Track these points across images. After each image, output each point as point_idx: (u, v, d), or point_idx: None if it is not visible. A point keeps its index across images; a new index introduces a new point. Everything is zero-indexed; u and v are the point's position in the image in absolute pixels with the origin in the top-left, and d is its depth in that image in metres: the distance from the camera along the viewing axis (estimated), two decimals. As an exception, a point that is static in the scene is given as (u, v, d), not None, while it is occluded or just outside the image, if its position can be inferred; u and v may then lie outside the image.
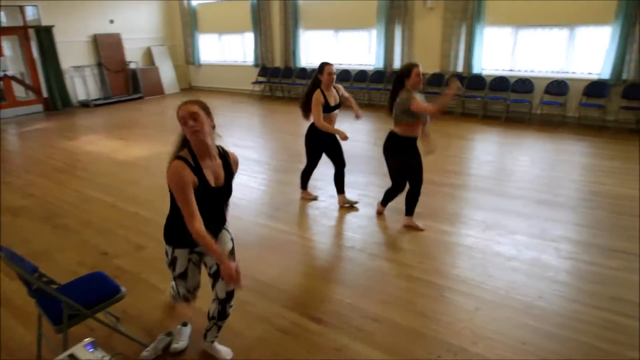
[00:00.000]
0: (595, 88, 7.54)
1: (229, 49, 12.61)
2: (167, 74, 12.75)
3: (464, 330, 2.64)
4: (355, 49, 10.28)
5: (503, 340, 2.54)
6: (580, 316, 2.73)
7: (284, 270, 3.39)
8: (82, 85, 11.33)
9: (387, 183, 4.09)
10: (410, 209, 3.96)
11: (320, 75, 4.12)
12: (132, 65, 11.97)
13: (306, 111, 4.30)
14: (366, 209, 4.43)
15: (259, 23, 11.28)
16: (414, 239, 3.80)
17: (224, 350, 2.52)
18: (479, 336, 2.58)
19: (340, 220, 4.21)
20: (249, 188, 5.11)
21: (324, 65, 4.12)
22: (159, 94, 12.50)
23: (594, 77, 7.61)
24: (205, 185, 2.10)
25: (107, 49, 11.49)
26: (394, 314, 2.81)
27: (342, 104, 4.39)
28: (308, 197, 4.77)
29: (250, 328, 2.73)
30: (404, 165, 3.80)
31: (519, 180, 5.18)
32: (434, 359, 2.42)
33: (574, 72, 7.89)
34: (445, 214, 4.28)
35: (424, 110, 3.50)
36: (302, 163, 5.90)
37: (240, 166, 5.96)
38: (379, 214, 4.31)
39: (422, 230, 3.93)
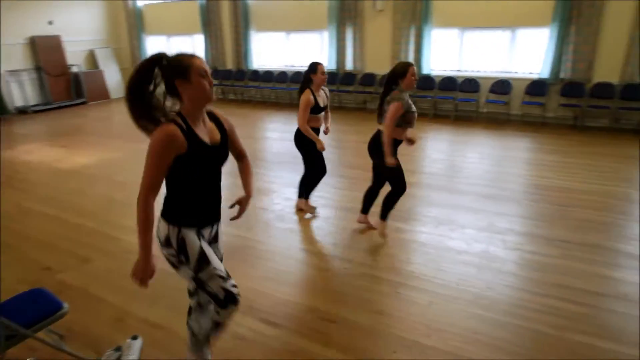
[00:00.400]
0: (535, 87, 7.96)
1: (178, 51, 12.24)
2: (112, 77, 12.25)
3: (418, 324, 2.69)
4: (307, 50, 10.31)
5: (455, 331, 2.61)
6: (527, 304, 2.86)
7: (238, 276, 3.31)
8: (19, 90, 10.66)
9: (341, 183, 4.12)
10: (386, 213, 3.71)
11: (313, 75, 3.95)
12: (74, 69, 11.40)
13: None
14: (322, 210, 4.44)
15: (209, 24, 11.08)
16: (369, 238, 3.84)
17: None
18: (432, 329, 2.64)
19: (296, 222, 4.19)
20: (201, 193, 4.98)
21: (317, 64, 3.95)
22: (105, 98, 11.99)
23: (535, 76, 8.03)
24: (201, 144, 1.86)
25: (46, 52, 10.88)
26: (350, 313, 2.82)
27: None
28: (308, 209, 4.36)
29: (205, 337, 2.66)
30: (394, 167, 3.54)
31: (468, 176, 5.37)
32: (389, 355, 2.46)
33: (516, 72, 8.29)
34: (399, 211, 4.35)
35: (388, 132, 3.38)
36: (255, 166, 5.86)
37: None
38: (366, 224, 3.96)
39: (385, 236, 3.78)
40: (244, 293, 3.07)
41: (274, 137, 7.74)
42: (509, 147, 6.67)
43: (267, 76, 10.66)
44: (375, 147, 3.61)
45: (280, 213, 4.40)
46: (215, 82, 10.91)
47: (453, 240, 3.75)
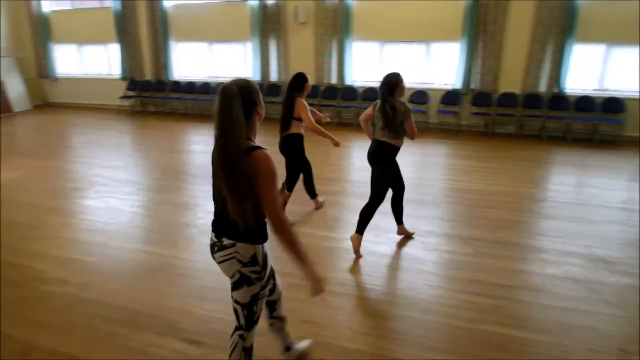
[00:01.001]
0: (450, 97, 8.51)
1: (91, 61, 11.57)
2: (15, 88, 11.20)
3: (344, 329, 2.72)
4: (231, 61, 10.20)
5: (379, 333, 2.68)
6: (444, 300, 3.01)
7: (159, 295, 3.16)
8: None
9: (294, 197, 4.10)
10: (400, 217, 3.97)
11: (306, 83, 4.28)
12: (-30, 80, 10.30)
13: (287, 123, 4.29)
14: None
15: (125, 33, 10.56)
16: (295, 247, 3.83)
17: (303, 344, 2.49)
18: (357, 333, 2.69)
19: (221, 235, 4.07)
20: (117, 211, 4.69)
21: (305, 75, 4.25)
22: (6, 111, 10.92)
23: (449, 87, 8.59)
24: None
25: None
26: (277, 325, 2.78)
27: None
28: (318, 205, 4.72)
29: (122, 363, 2.48)
30: (395, 175, 3.87)
31: (390, 182, 5.57)
32: (317, 363, 2.45)
33: (432, 83, 8.81)
34: (325, 220, 4.41)
35: (413, 130, 3.63)
36: (178, 180, 5.64)
37: (107, 188, 5.51)
38: (357, 246, 3.72)
39: (412, 234, 4.04)
40: (163, 313, 2.94)
41: (198, 150, 7.52)
42: (428, 154, 7.05)
43: (190, 87, 10.36)
44: (381, 157, 3.76)
45: (203, 227, 4.25)
46: (133, 93, 10.49)
47: (377, 245, 3.85)
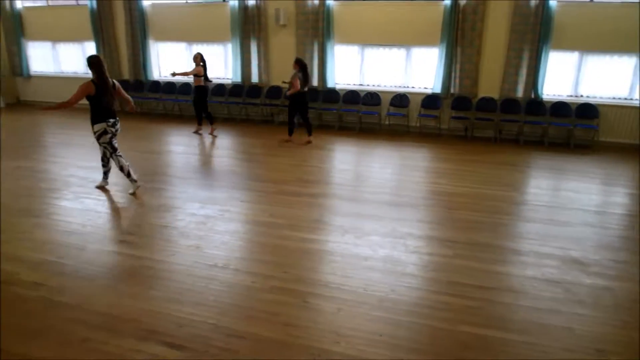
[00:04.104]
0: (430, 101, 8.62)
1: (66, 59, 11.27)
2: (-12, 87, 10.86)
3: (326, 332, 2.71)
4: (211, 62, 10.07)
5: (362, 336, 2.68)
6: (423, 302, 3.03)
7: (137, 298, 3.09)
8: None
9: (249, 196, 4.06)
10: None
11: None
12: (-62, 77, 9.92)
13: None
14: (228, 225, 4.32)
15: (101, 32, 10.34)
16: (277, 250, 3.81)
17: None
18: (340, 335, 2.68)
19: (201, 238, 4.02)
20: (94, 213, 4.58)
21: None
22: (-22, 110, 10.58)
23: (429, 91, 8.69)
24: None
25: None
26: (259, 328, 2.76)
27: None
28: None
29: (98, 369, 2.42)
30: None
31: (372, 185, 5.61)
32: (298, 366, 2.44)
33: (413, 87, 8.91)
34: (305, 222, 4.40)
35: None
36: (157, 181, 5.55)
37: (83, 189, 5.38)
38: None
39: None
40: (141, 317, 2.87)
41: (177, 151, 7.41)
42: (408, 157, 7.11)
43: (169, 88, 10.22)
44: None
45: (183, 230, 4.19)
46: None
47: (359, 247, 3.86)
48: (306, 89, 7.46)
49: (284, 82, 7.90)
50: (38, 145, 7.60)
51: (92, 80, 4.77)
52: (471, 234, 4.13)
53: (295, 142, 7.71)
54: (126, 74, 10.60)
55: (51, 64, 11.39)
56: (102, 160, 5.25)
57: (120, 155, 5.06)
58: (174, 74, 8.19)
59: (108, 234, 4.17)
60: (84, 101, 4.88)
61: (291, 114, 7.70)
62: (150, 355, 2.52)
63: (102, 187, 5.30)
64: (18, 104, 11.75)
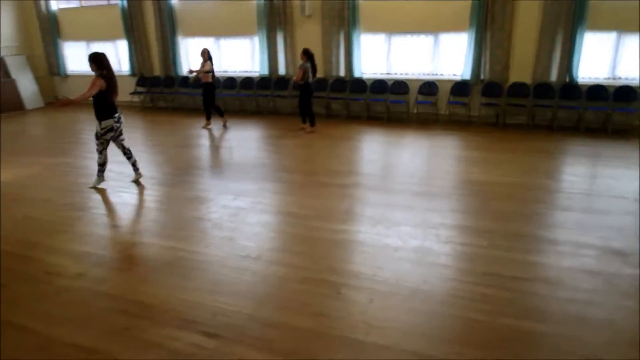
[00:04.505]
0: (459, 88, 8.43)
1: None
2: (27, 86, 11.32)
3: (359, 322, 2.72)
4: (238, 55, 10.19)
5: (395, 326, 2.68)
6: (458, 293, 3.00)
7: (174, 289, 3.19)
8: None
9: (279, 187, 4.10)
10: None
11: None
12: (-18, 78, 10.42)
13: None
14: (260, 216, 4.38)
15: (132, 30, 10.59)
16: (308, 241, 3.84)
17: None
18: (372, 326, 2.69)
19: (234, 230, 4.10)
20: (132, 206, 4.74)
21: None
22: (19, 109, 11.05)
23: (458, 78, 8.50)
24: None
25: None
26: (292, 318, 2.80)
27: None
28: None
29: (142, 355, 2.51)
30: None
31: (401, 175, 5.56)
32: (332, 355, 2.46)
33: (441, 74, 8.73)
34: (336, 213, 4.41)
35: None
36: (190, 174, 5.69)
37: (121, 184, 5.55)
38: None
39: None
40: (179, 307, 2.97)
41: (207, 145, 7.55)
42: (438, 146, 7.00)
43: (199, 82, 10.36)
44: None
45: (217, 221, 4.28)
46: (142, 89, 10.62)
47: (389, 237, 3.84)
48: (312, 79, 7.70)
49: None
50: (77, 142, 7.88)
51: (101, 76, 4.83)
52: (506, 224, 4.04)
53: (318, 132, 7.72)
54: (157, 70, 10.83)
55: (86, 63, 11.71)
56: (125, 154, 5.33)
57: (101, 153, 5.13)
58: (190, 72, 8.48)
59: (145, 226, 4.30)
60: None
61: (307, 103, 7.80)
62: (188, 344, 2.60)
63: (137, 181, 5.42)
64: (56, 102, 12.19)
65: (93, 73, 4.87)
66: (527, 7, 7.67)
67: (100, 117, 4.95)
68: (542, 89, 7.89)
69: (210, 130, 8.40)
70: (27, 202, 4.93)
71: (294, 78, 7.74)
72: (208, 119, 8.54)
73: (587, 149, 6.60)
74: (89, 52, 4.99)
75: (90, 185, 5.28)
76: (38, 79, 11.64)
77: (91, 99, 4.90)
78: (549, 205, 4.53)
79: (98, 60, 4.81)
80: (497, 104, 8.22)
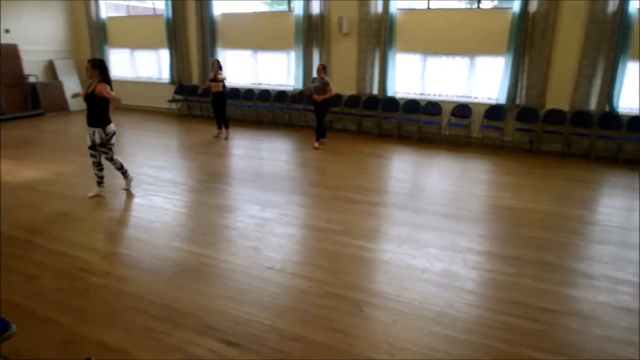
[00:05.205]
0: (494, 112, 8.30)
1: (142, 65, 12.07)
2: (72, 89, 11.82)
3: (381, 343, 2.68)
4: (274, 69, 10.37)
5: (418, 350, 2.62)
6: (484, 321, 2.91)
7: (197, 294, 3.22)
8: (-30, 99, 10.13)
9: (305, 201, 4.11)
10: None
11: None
12: (32, 79, 10.96)
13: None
14: (286, 228, 4.40)
15: (175, 40, 10.97)
16: (332, 256, 3.82)
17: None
18: (395, 347, 2.63)
19: (259, 240, 4.12)
20: (162, 210, 4.84)
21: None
22: (63, 110, 11.56)
23: (493, 101, 8.38)
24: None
25: (0, 61, 10.41)
26: (312, 332, 2.78)
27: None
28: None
29: (162, 358, 2.54)
30: None
31: (430, 196, 5.49)
32: (352, 374, 2.43)
33: (475, 97, 8.63)
34: (362, 230, 4.38)
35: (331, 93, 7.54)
36: (220, 182, 5.79)
37: (152, 187, 5.69)
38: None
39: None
40: (201, 312, 2.99)
41: (239, 154, 7.67)
42: (469, 169, 6.89)
43: (234, 93, 10.61)
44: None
45: (243, 231, 4.32)
46: (180, 97, 10.90)
47: (416, 258, 3.78)
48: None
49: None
50: (116, 144, 8.14)
51: (104, 81, 4.80)
52: (537, 253, 3.91)
53: (348, 148, 7.73)
54: (196, 80, 11.14)
55: (129, 70, 12.24)
56: (99, 165, 5.17)
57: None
58: (204, 85, 8.89)
59: (174, 230, 4.39)
60: (81, 105, 5.17)
61: (324, 117, 8.03)
62: (208, 350, 2.62)
63: (97, 195, 5.19)
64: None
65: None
66: (568, 32, 7.53)
67: (103, 124, 4.93)
68: (580, 117, 7.68)
69: (223, 138, 8.54)
70: (61, 198, 5.12)
71: (324, 96, 7.73)
72: (219, 127, 8.76)
73: (625, 180, 6.35)
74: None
75: (124, 187, 5.41)
76: (83, 82, 12.17)
77: (85, 106, 4.93)
78: (583, 236, 4.37)
79: (102, 67, 4.80)
80: (532, 129, 8.04)
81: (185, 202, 5.21)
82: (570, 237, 4.30)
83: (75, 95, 5.27)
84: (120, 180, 5.49)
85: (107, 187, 5.39)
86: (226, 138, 8.62)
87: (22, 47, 10.84)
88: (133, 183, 5.50)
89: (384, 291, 3.26)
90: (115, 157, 5.18)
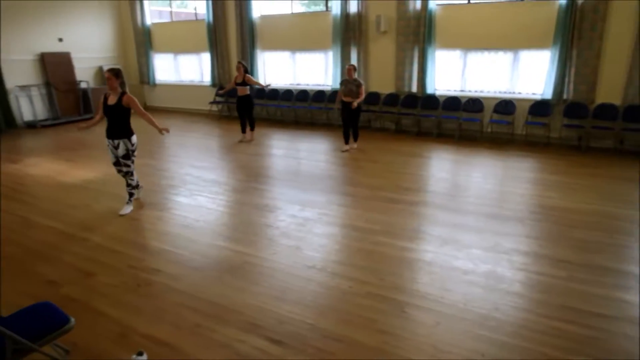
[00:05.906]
0: (539, 107, 8.01)
1: (185, 68, 12.47)
2: (120, 93, 12.40)
3: (424, 345, 2.66)
4: (312, 69, 10.44)
5: (462, 353, 2.58)
6: (532, 325, 2.83)
7: (241, 292, 3.31)
8: (29, 105, 10.80)
9: (345, 200, 4.13)
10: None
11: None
12: (83, 85, 11.57)
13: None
14: (326, 228, 4.44)
15: (215, 44, 11.25)
16: (373, 256, 3.82)
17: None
18: (439, 350, 2.61)
19: (300, 239, 4.18)
20: (206, 209, 5.00)
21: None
22: (112, 114, 12.12)
23: (538, 97, 8.09)
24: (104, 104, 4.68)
25: (56, 68, 11.05)
26: (355, 333, 2.80)
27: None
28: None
29: (209, 354, 2.64)
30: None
31: (472, 195, 5.37)
32: (395, 375, 2.42)
33: (519, 93, 8.35)
34: (403, 230, 4.35)
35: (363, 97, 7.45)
36: (261, 182, 5.90)
37: (196, 187, 5.86)
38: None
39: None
40: (246, 310, 3.07)
41: (278, 154, 7.78)
42: (513, 167, 6.68)
43: (273, 94, 10.77)
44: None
45: (284, 230, 4.39)
46: (221, 99, 11.16)
47: (459, 260, 3.72)
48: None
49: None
50: (160, 145, 8.48)
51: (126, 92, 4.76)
52: (588, 255, 3.76)
53: (387, 148, 7.67)
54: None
55: (172, 74, 12.67)
56: (132, 175, 4.96)
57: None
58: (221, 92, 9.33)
59: (217, 229, 4.52)
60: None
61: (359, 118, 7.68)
62: (253, 347, 2.69)
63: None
64: (145, 109, 13.17)
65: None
66: (619, 25, 7.14)
67: (128, 134, 4.81)
68: (634, 112, 7.27)
69: (248, 141, 8.59)
70: (112, 197, 5.38)
71: (359, 100, 7.29)
72: (244, 131, 8.66)
73: (686, 179, 5.96)
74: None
75: (122, 212, 4.90)
76: (129, 87, 12.64)
77: (104, 117, 4.87)
78: (636, 238, 4.15)
79: (122, 76, 4.70)
80: (580, 125, 7.69)
81: (227, 201, 5.35)
82: (625, 238, 4.10)
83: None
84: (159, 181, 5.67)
85: (150, 187, 5.61)
86: (251, 140, 8.63)
87: (74, 55, 11.45)
88: (178, 182, 5.69)
89: (426, 292, 3.24)
90: (134, 171, 4.97)
